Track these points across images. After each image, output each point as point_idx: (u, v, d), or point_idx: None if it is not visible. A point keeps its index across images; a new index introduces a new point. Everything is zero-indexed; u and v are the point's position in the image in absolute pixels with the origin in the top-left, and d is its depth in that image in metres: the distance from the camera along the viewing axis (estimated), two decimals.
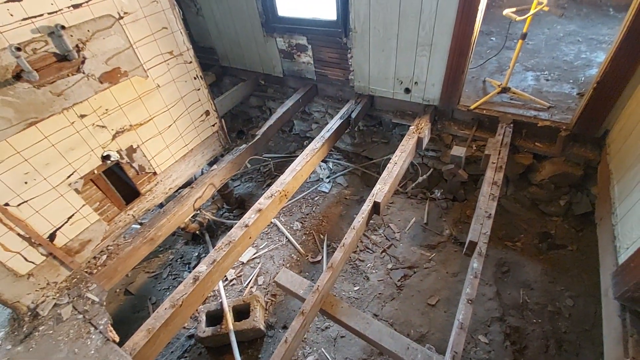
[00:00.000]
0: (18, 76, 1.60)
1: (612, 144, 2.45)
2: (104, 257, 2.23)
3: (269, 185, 3.64)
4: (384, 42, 2.96)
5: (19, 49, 1.50)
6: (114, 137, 2.07)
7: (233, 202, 3.35)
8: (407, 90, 3.17)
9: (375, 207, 2.38)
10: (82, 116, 1.88)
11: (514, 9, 2.68)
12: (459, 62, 2.75)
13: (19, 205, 1.75)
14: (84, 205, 2.05)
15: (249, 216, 2.34)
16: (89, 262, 2.19)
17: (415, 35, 2.78)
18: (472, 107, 2.99)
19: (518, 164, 2.87)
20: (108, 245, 2.28)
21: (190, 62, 2.39)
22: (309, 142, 4.16)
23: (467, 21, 2.52)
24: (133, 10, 1.94)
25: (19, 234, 1.78)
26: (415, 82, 3.07)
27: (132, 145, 2.19)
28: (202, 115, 2.64)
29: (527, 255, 2.67)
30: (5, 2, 1.51)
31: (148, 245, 2.39)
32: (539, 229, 2.82)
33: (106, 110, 1.98)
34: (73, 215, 2.00)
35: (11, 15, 1.53)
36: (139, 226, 2.50)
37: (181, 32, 2.25)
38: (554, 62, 3.61)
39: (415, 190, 3.30)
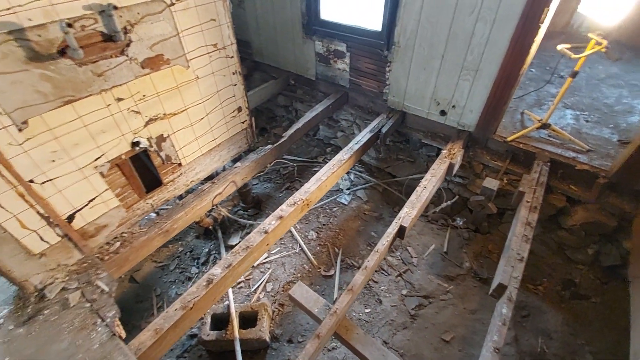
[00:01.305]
0: (62, 52, 1.54)
1: None
2: (117, 244, 2.16)
3: (288, 188, 3.58)
4: (427, 60, 2.88)
5: (70, 25, 1.43)
6: (147, 124, 2.00)
7: (249, 201, 3.27)
8: (443, 113, 3.08)
9: (401, 231, 2.29)
10: (119, 100, 1.82)
11: (568, 46, 2.59)
12: (503, 92, 2.65)
13: (43, 183, 1.69)
14: (106, 190, 1.98)
15: (269, 222, 2.26)
16: (101, 247, 2.12)
17: (462, 59, 2.69)
18: (509, 139, 2.89)
19: (550, 205, 2.76)
20: (122, 233, 2.21)
21: (232, 57, 2.33)
22: (332, 149, 4.10)
23: (519, 53, 2.43)
24: None
25: (38, 212, 1.72)
26: (453, 106, 2.98)
27: (162, 134, 2.12)
28: (234, 111, 2.57)
29: (548, 302, 2.56)
30: None
31: (162, 237, 2.33)
32: (564, 275, 2.71)
33: (143, 96, 1.91)
34: (94, 198, 1.94)
35: None
36: (155, 215, 2.43)
37: (228, 26, 2.19)
38: (594, 103, 3.50)
39: (436, 215, 3.21)
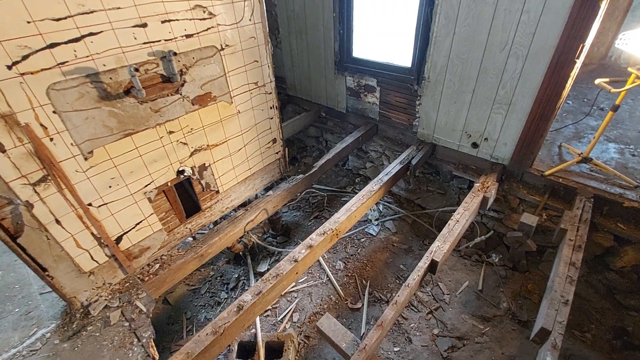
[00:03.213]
0: (127, 91, 1.75)
1: None
2: (157, 266, 2.29)
3: (316, 217, 3.63)
4: (458, 95, 2.92)
5: (137, 70, 1.65)
6: (192, 154, 2.18)
7: (279, 229, 3.34)
8: (475, 145, 3.06)
9: (432, 265, 2.23)
10: (171, 132, 2.01)
11: (607, 79, 2.53)
12: (539, 125, 2.61)
13: (99, 206, 1.86)
14: (151, 214, 2.13)
15: (300, 251, 2.30)
16: (142, 268, 2.25)
17: (494, 93, 2.71)
18: (547, 172, 2.79)
19: (595, 244, 2.59)
20: (162, 255, 2.34)
21: (270, 93, 2.51)
22: (361, 180, 4.14)
23: (555, 87, 2.41)
24: (234, 43, 2.09)
25: (92, 233, 1.88)
26: (485, 138, 2.96)
27: (204, 164, 2.28)
28: (269, 142, 2.73)
29: (597, 351, 2.33)
30: (132, 27, 1.69)
31: (197, 261, 2.43)
32: (614, 322, 2.46)
33: (191, 129, 2.10)
34: (141, 222, 2.09)
35: (135, 38, 1.71)
36: (191, 240, 2.56)
37: (268, 66, 2.39)
38: None
39: (470, 250, 3.09)
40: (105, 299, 2.06)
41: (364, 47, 3.50)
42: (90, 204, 1.83)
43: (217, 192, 2.46)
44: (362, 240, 3.29)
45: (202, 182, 2.33)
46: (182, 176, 2.16)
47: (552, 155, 3.09)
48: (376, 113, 3.70)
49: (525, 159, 2.82)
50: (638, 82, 2.37)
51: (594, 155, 2.87)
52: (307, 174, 3.09)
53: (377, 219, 3.50)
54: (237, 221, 2.59)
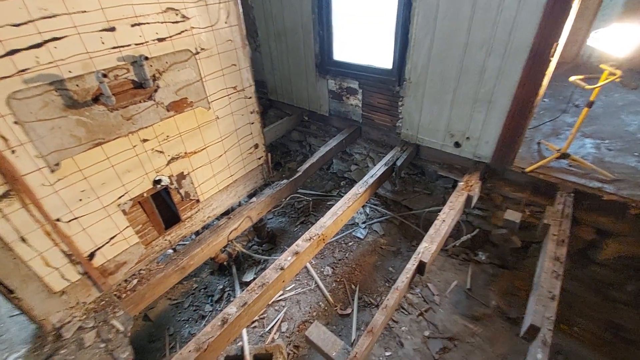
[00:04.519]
0: (96, 99, 1.66)
1: None
2: (135, 281, 2.17)
3: (302, 222, 3.57)
4: (439, 95, 2.93)
5: (105, 75, 1.56)
6: (169, 162, 2.09)
7: (264, 236, 3.26)
8: (458, 144, 3.07)
9: (421, 267, 2.21)
10: (144, 140, 1.92)
11: (581, 77, 2.59)
12: (518, 123, 2.65)
13: (69, 221, 1.75)
14: (127, 227, 2.03)
15: (286, 258, 2.23)
16: (119, 284, 2.14)
17: (474, 92, 2.73)
18: (527, 169, 2.83)
19: (578, 238, 2.62)
20: (140, 270, 2.23)
21: (250, 98, 2.45)
22: (346, 183, 4.11)
23: (532, 85, 2.45)
24: (209, 47, 2.03)
25: (62, 250, 1.76)
26: (468, 137, 2.98)
27: (183, 172, 2.19)
28: (251, 147, 2.66)
29: (587, 345, 2.35)
30: (100, 31, 1.61)
31: (178, 274, 2.33)
32: (603, 315, 2.50)
33: (167, 137, 2.02)
34: (115, 236, 1.99)
35: (103, 43, 1.62)
36: (171, 252, 2.46)
37: (247, 70, 2.33)
38: (615, 131, 3.42)
39: (457, 249, 3.09)
40: (79, 320, 1.94)
41: (344, 50, 3.48)
42: (58, 219, 1.71)
43: (198, 201, 2.37)
44: (350, 244, 3.25)
45: (181, 191, 2.24)
46: (158, 186, 2.07)
47: (532, 152, 3.13)
48: (359, 115, 3.68)
49: (507, 157, 2.85)
50: (611, 78, 2.44)
51: (571, 151, 2.92)
52: (291, 179, 3.03)
53: (364, 222, 3.47)
54: (220, 230, 2.50)
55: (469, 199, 2.76)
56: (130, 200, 1.99)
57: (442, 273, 2.90)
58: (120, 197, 1.94)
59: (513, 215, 2.55)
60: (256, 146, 2.69)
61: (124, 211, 1.99)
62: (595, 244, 2.62)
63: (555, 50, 2.26)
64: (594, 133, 3.41)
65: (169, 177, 2.12)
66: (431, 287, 2.77)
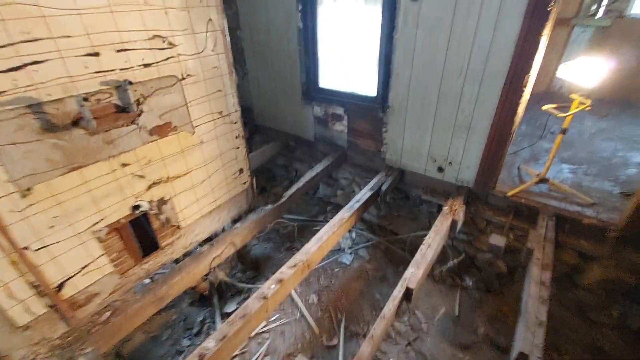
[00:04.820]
0: (76, 122, 1.63)
1: None
2: (108, 313, 2.04)
3: (288, 249, 3.49)
4: (421, 121, 3.02)
5: (85, 99, 1.55)
6: (149, 187, 2.04)
7: (248, 263, 3.17)
8: (440, 169, 3.13)
9: (408, 293, 2.16)
10: (125, 165, 1.88)
11: (554, 105, 2.73)
12: (498, 148, 2.73)
13: (37, 249, 1.66)
14: (101, 255, 1.93)
15: (269, 286, 2.15)
16: (91, 317, 2.00)
17: (454, 118, 2.83)
18: (509, 193, 2.89)
19: (562, 262, 2.65)
20: (114, 301, 2.10)
21: (236, 123, 2.46)
22: (332, 208, 4.09)
23: (509, 111, 2.55)
24: (196, 73, 2.06)
25: (28, 281, 1.65)
26: (450, 162, 3.04)
27: (164, 197, 2.14)
28: (235, 172, 2.64)
29: None
30: (84, 55, 1.61)
31: (156, 304, 2.20)
32: (589, 340, 2.47)
33: (149, 161, 1.98)
34: (88, 264, 1.89)
35: (86, 67, 1.62)
36: (149, 281, 2.34)
37: (233, 95, 2.36)
38: (591, 157, 3.57)
39: (443, 274, 3.06)
40: (43, 357, 1.79)
41: (330, 78, 3.59)
42: (26, 247, 1.62)
43: (179, 227, 2.30)
44: (336, 270, 3.18)
45: (162, 217, 2.17)
46: (137, 212, 2.00)
47: (512, 176, 3.22)
48: (344, 141, 3.74)
49: (488, 181, 2.91)
50: (581, 107, 2.58)
51: (550, 175, 3.02)
52: (276, 204, 3.00)
53: (350, 247, 3.42)
54: (202, 257, 2.42)
55: (454, 223, 2.78)
56: (107, 226, 1.91)
57: (429, 299, 2.85)
58: (95, 224, 1.86)
59: (497, 240, 2.57)
60: (241, 171, 2.67)
61: (99, 238, 1.90)
62: (579, 267, 2.65)
63: (527, 80, 2.39)
64: (571, 158, 3.55)
65: (149, 202, 2.06)
66: (419, 315, 2.71)
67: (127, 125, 1.82)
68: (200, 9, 1.97)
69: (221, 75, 2.22)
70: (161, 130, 1.98)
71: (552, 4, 2.09)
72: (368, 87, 3.29)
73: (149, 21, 1.78)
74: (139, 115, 1.85)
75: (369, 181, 3.33)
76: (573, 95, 2.61)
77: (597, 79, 2.46)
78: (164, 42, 1.86)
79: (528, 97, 2.51)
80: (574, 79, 2.57)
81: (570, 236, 2.66)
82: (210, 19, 2.04)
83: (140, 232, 2.20)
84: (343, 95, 3.51)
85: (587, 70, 2.49)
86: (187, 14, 1.92)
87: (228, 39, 2.18)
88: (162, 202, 2.14)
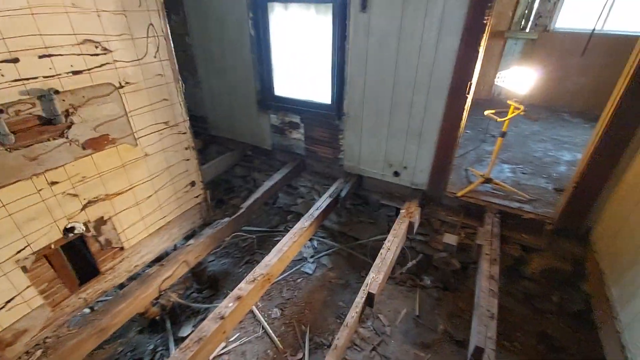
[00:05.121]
0: None
1: (598, 241, 2.50)
2: (39, 352, 1.79)
3: (247, 262, 3.36)
4: (376, 128, 3.10)
5: (0, 111, 1.35)
6: (85, 207, 1.84)
7: (205, 281, 2.98)
8: (396, 174, 3.23)
9: (370, 299, 2.17)
10: (53, 183, 1.67)
11: (493, 111, 2.95)
12: (446, 152, 2.88)
13: None
14: (28, 287, 1.69)
15: (226, 305, 2.03)
16: (19, 358, 1.73)
17: (406, 125, 2.93)
18: (459, 194, 3.05)
19: (507, 255, 2.83)
20: (47, 337, 1.85)
21: (185, 133, 2.32)
22: (293, 216, 4.03)
23: (454, 118, 2.71)
24: (136, 81, 1.91)
25: None
26: (405, 167, 3.15)
27: (102, 217, 1.94)
28: (187, 185, 2.48)
29: (526, 358, 2.46)
30: None
31: (97, 337, 1.98)
32: (536, 327, 2.66)
33: (82, 178, 1.79)
34: (13, 298, 1.64)
35: (2, 75, 1.42)
36: (88, 311, 2.10)
37: (180, 104, 2.23)
38: (526, 157, 3.91)
39: (404, 275, 3.13)
40: None
41: (286, 86, 3.56)
42: None
43: (122, 248, 2.10)
44: (299, 280, 3.12)
45: (100, 238, 1.96)
46: (71, 235, 1.79)
47: (461, 178, 3.41)
48: (302, 149, 3.72)
49: (440, 183, 3.06)
50: (517, 112, 2.81)
51: (493, 175, 3.25)
52: (233, 217, 2.88)
53: (312, 256, 3.38)
54: (150, 280, 2.23)
55: (410, 225, 2.86)
56: (33, 254, 1.68)
57: (391, 302, 2.89)
58: (19, 252, 1.63)
59: (450, 239, 2.69)
60: (193, 184, 2.53)
61: (24, 268, 1.66)
62: (522, 259, 2.85)
63: (470, 88, 2.55)
64: (510, 159, 3.86)
65: (85, 223, 1.85)
66: (382, 319, 2.73)
67: (54, 139, 1.62)
68: (138, 13, 1.84)
69: (166, 83, 2.09)
70: (97, 144, 1.80)
71: (487, 17, 2.27)
72: (323, 95, 3.31)
73: (78, 25, 1.62)
74: (69, 127, 1.67)
75: (328, 188, 3.33)
76: (509, 101, 2.84)
77: (527, 87, 2.71)
78: (97, 47, 1.70)
79: (470, 103, 2.69)
80: (509, 87, 2.80)
81: (513, 231, 2.87)
82: (151, 24, 1.91)
83: (77, 257, 1.98)
84: (299, 103, 3.50)
85: (519, 79, 2.73)
86: (123, 18, 1.78)
87: (172, 45, 2.06)
88: (100, 222, 1.93)
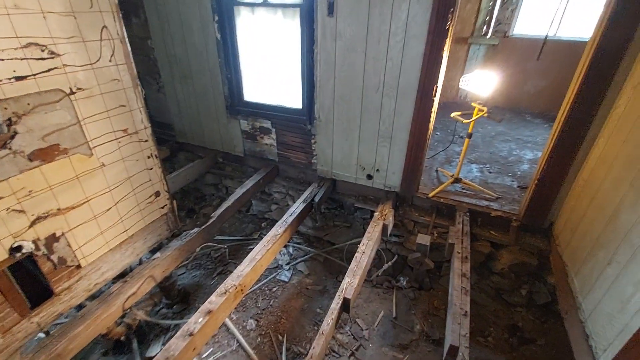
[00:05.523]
0: None
1: (560, 235, 2.62)
2: None
3: (220, 273, 3.24)
4: (347, 132, 3.10)
5: None
6: (33, 223, 1.68)
7: (174, 296, 2.84)
8: (369, 177, 3.24)
9: (345, 304, 2.14)
10: None
11: (460, 113, 3.04)
12: (417, 154, 2.93)
13: None
14: None
15: (196, 321, 1.93)
16: None
17: (377, 128, 2.96)
18: (430, 195, 3.11)
19: (478, 252, 2.91)
20: None
21: (146, 141, 2.21)
22: (267, 223, 3.95)
23: (423, 120, 2.76)
24: (89, 86, 1.79)
25: None
26: (377, 170, 3.17)
27: (54, 233, 1.79)
28: (150, 196, 2.36)
29: (499, 352, 2.52)
30: None
31: None
32: (507, 321, 2.74)
33: (30, 192, 1.64)
34: None
35: None
36: (43, 336, 1.93)
37: (140, 111, 2.11)
38: (492, 157, 4.06)
39: (380, 278, 3.14)
40: None
41: (255, 91, 3.50)
42: None
43: (79, 266, 1.95)
44: (274, 289, 3.04)
45: (53, 257, 1.81)
46: (18, 254, 1.63)
47: (432, 179, 3.48)
48: (275, 154, 3.66)
49: (412, 185, 3.10)
50: (481, 113, 2.91)
51: (462, 175, 3.34)
52: (203, 227, 2.77)
53: (288, 263, 3.32)
54: (112, 298, 2.08)
55: (384, 227, 2.88)
56: None
57: (368, 305, 2.88)
58: None
59: (423, 239, 2.72)
60: (157, 194, 2.40)
61: None
62: (492, 256, 2.94)
63: (436, 91, 2.61)
64: (477, 159, 4.00)
65: (34, 241, 1.70)
66: (360, 322, 2.71)
67: None
68: (90, 15, 1.73)
69: (123, 89, 1.97)
70: (45, 154, 1.66)
71: (450, 22, 2.33)
72: (294, 99, 3.28)
73: (21, 27, 1.49)
74: (12, 137, 1.53)
75: (303, 193, 3.29)
76: (473, 104, 2.94)
77: (489, 89, 2.81)
78: (43, 50, 1.57)
79: (437, 105, 2.75)
80: (472, 89, 2.90)
81: (483, 228, 2.95)
82: (104, 26, 1.80)
83: (27, 278, 1.81)
84: (269, 108, 3.44)
85: (482, 82, 2.83)
86: (73, 20, 1.66)
87: (129, 48, 1.95)
88: (52, 239, 1.78)
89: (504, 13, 5.35)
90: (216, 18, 3.12)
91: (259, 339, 2.60)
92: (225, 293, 2.13)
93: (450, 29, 2.37)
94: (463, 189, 3.25)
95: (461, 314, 2.04)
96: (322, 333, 1.94)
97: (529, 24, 5.50)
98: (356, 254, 2.51)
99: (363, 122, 2.99)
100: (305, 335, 2.63)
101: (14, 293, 1.72)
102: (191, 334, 1.85)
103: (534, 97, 5.57)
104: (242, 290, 2.29)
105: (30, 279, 1.81)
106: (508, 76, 5.25)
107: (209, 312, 1.99)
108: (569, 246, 2.42)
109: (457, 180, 3.23)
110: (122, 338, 2.39)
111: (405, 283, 3.07)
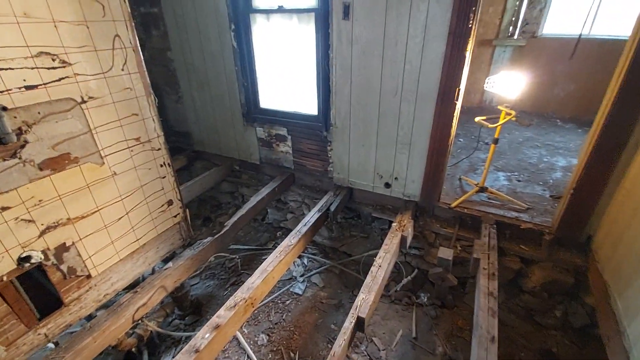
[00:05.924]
0: None
1: (600, 250, 2.37)
2: None
3: (234, 284, 3.17)
4: (364, 137, 2.99)
5: None
6: (43, 233, 1.68)
7: (187, 306, 2.79)
8: (387, 185, 3.10)
9: (360, 323, 2.00)
10: (4, 209, 1.52)
11: (484, 117, 2.85)
12: (438, 161, 2.76)
13: None
14: None
15: (203, 336, 1.85)
16: None
17: (395, 134, 2.83)
18: (452, 205, 2.92)
19: (507, 269, 2.69)
20: None
21: (159, 149, 2.19)
22: (283, 233, 3.86)
23: (444, 125, 2.60)
24: (101, 95, 1.78)
25: None
26: (396, 178, 3.02)
27: (64, 243, 1.78)
28: (163, 205, 2.33)
29: None
30: None
31: None
32: (539, 345, 2.49)
33: (39, 201, 1.63)
34: None
35: None
36: (52, 346, 1.91)
37: (153, 119, 2.10)
38: (520, 164, 3.81)
39: (399, 293, 2.96)
40: None
41: (271, 98, 3.47)
42: None
43: (89, 276, 1.93)
44: (288, 302, 2.93)
45: (63, 267, 1.79)
46: (27, 264, 1.62)
47: (454, 188, 3.29)
48: (291, 162, 3.59)
49: (433, 194, 2.93)
50: (508, 117, 2.71)
51: (487, 184, 3.13)
52: (216, 235, 2.72)
53: (302, 275, 3.21)
54: (122, 309, 2.04)
55: (403, 239, 2.72)
56: None
57: (386, 323, 2.71)
58: None
59: (445, 253, 2.54)
60: (170, 202, 2.37)
61: None
62: (522, 272, 2.70)
63: (458, 94, 2.45)
64: (504, 166, 3.75)
65: (43, 251, 1.69)
66: (377, 342, 2.55)
67: (4, 160, 1.48)
68: (103, 24, 1.73)
69: (136, 97, 1.96)
70: (56, 164, 1.66)
71: (472, 21, 2.19)
72: (309, 106, 3.21)
73: (32, 36, 1.50)
74: (23, 146, 1.53)
75: (318, 202, 3.19)
76: (500, 107, 2.75)
77: (517, 91, 2.62)
78: (54, 60, 1.58)
79: (460, 109, 2.59)
80: (498, 91, 2.71)
81: (511, 242, 2.73)
82: (117, 35, 1.80)
83: (37, 289, 1.80)
84: (285, 115, 3.39)
85: (509, 83, 2.64)
86: (85, 29, 1.66)
87: (141, 56, 1.94)
88: (62, 249, 1.77)
89: (532, 12, 5.09)
90: (232, 26, 3.12)
91: (270, 355, 2.49)
92: (234, 306, 2.04)
93: (472, 27, 2.22)
94: (489, 198, 3.03)
95: (488, 339, 1.85)
96: (334, 355, 1.81)
97: (559, 22, 5.20)
98: (372, 268, 2.37)
99: (380, 128, 2.87)
100: (319, 354, 2.50)
101: (20, 304, 1.71)
102: (197, 350, 1.77)
103: (563, 101, 5.23)
104: (252, 303, 2.20)
105: (39, 288, 1.80)
106: (536, 78, 4.96)
107: (217, 326, 1.91)
108: (611, 263, 2.17)
109: (483, 189, 3.02)
110: (134, 349, 2.36)
111: (426, 300, 2.87)
